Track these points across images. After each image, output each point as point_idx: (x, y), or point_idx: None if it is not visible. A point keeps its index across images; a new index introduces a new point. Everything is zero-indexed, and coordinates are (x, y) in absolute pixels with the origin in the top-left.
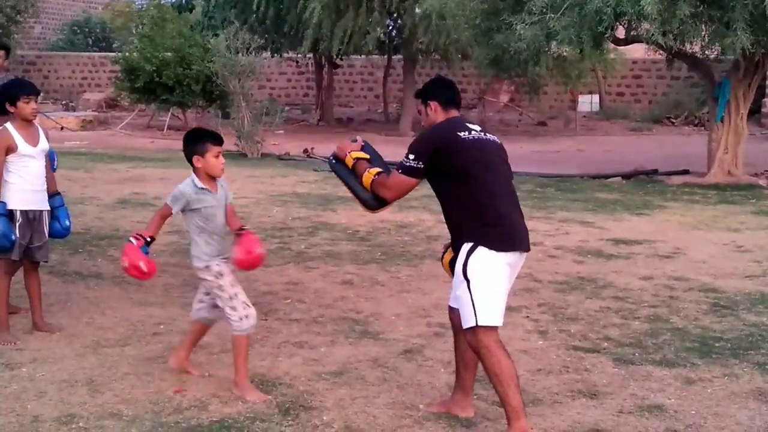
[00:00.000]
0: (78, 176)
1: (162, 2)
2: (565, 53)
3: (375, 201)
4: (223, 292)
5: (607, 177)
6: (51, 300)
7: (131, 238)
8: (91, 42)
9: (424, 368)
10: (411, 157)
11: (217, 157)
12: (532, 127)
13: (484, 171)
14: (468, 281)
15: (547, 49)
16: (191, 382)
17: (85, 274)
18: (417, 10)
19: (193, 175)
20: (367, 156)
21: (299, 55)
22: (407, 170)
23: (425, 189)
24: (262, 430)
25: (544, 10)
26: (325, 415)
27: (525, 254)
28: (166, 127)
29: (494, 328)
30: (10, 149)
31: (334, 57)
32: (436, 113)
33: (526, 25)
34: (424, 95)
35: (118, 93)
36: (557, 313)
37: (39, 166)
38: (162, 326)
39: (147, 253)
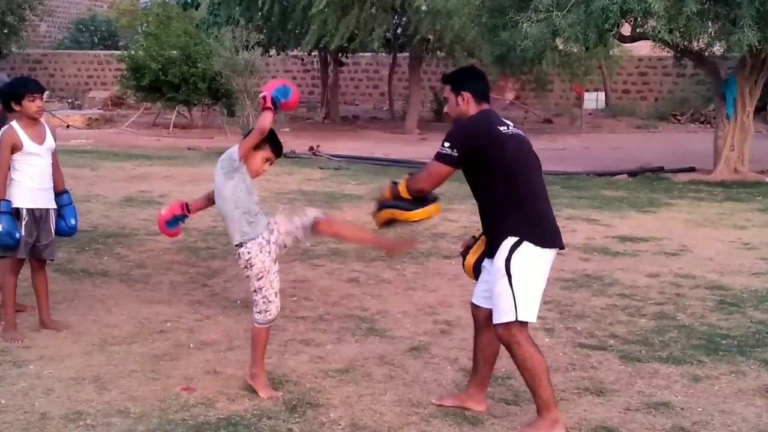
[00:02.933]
0: (84, 174)
1: (167, 0)
2: (571, 49)
3: (414, 203)
4: (249, 282)
5: (613, 174)
6: (58, 298)
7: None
8: (96, 40)
9: (430, 365)
10: (447, 145)
11: (267, 162)
12: (537, 124)
13: (526, 166)
14: (510, 276)
15: (553, 46)
16: (198, 380)
17: (92, 272)
18: (423, 7)
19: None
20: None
21: (304, 53)
22: (444, 158)
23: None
24: (269, 427)
25: (550, 7)
26: (332, 412)
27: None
28: (171, 126)
29: (527, 324)
30: (16, 147)
31: (339, 54)
32: (468, 105)
33: (532, 22)
34: (458, 84)
35: (124, 91)
36: (563, 310)
37: (45, 164)
38: (168, 323)
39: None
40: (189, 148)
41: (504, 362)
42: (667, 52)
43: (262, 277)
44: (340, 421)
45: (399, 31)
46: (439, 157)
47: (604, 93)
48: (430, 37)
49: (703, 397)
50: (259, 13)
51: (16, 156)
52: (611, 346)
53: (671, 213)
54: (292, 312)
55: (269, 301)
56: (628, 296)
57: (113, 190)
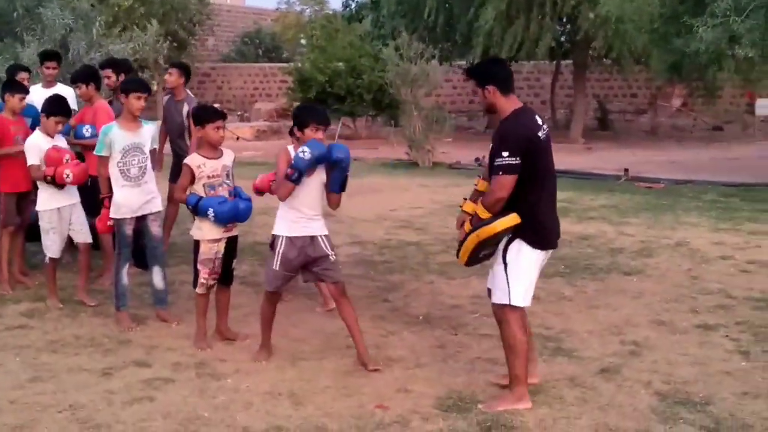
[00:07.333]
0: None
1: (332, 12)
2: (748, 55)
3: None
4: None
5: None
6: (245, 310)
7: None
8: (260, 53)
9: (623, 389)
10: (506, 154)
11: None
12: (707, 132)
13: (547, 174)
14: (506, 264)
15: (730, 52)
16: (392, 398)
17: None
18: (590, 15)
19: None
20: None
21: (468, 64)
22: (510, 169)
23: (603, 199)
24: None
25: (728, 12)
26: None
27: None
28: (336, 136)
29: (519, 307)
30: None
31: None
32: (495, 97)
33: (708, 27)
34: (482, 78)
35: (291, 103)
36: (758, 332)
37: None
38: None
39: None
40: (354, 159)
41: (700, 387)
42: None
43: None
44: None
45: (563, 39)
46: (506, 169)
47: None
48: (596, 44)
49: None
50: (423, 25)
51: None
52: None
53: None
54: (475, 329)
55: None
56: None
57: None
